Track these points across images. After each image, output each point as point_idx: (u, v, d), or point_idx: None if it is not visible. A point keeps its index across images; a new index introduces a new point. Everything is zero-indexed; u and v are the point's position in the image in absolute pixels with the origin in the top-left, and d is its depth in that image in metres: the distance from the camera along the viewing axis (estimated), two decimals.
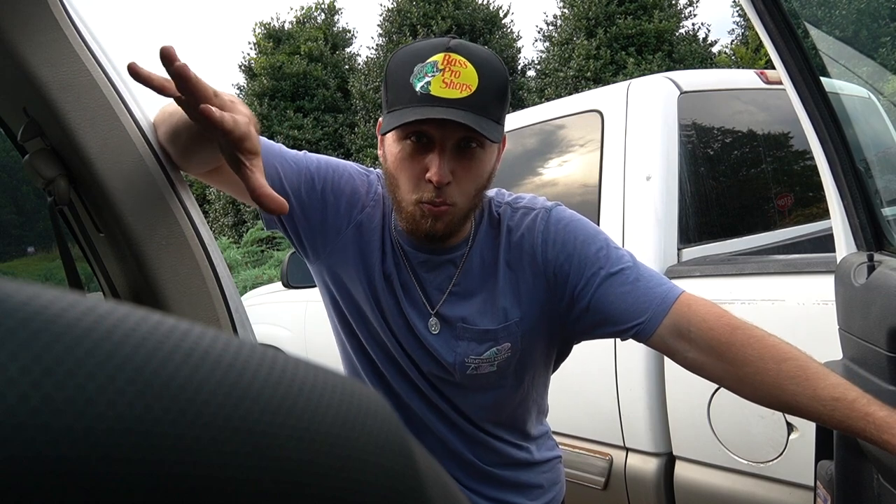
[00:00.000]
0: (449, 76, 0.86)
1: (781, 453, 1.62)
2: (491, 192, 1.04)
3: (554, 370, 1.14)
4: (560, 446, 1.21)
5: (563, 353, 1.11)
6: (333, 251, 1.01)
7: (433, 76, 0.86)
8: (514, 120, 2.49)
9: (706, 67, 14.56)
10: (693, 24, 19.88)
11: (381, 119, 0.96)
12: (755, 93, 2.36)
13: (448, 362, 1.00)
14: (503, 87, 0.91)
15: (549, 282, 0.99)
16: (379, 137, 0.98)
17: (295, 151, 1.01)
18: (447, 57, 0.87)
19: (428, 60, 0.87)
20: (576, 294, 0.97)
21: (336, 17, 18.71)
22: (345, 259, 1.00)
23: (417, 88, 0.86)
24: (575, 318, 0.99)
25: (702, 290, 1.43)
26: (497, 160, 0.98)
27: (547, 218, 1.01)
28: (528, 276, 1.00)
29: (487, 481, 1.08)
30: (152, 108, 0.93)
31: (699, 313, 0.92)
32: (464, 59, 0.87)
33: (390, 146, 0.94)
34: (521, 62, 17.52)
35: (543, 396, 1.15)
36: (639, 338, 0.96)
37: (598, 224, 1.68)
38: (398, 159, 0.92)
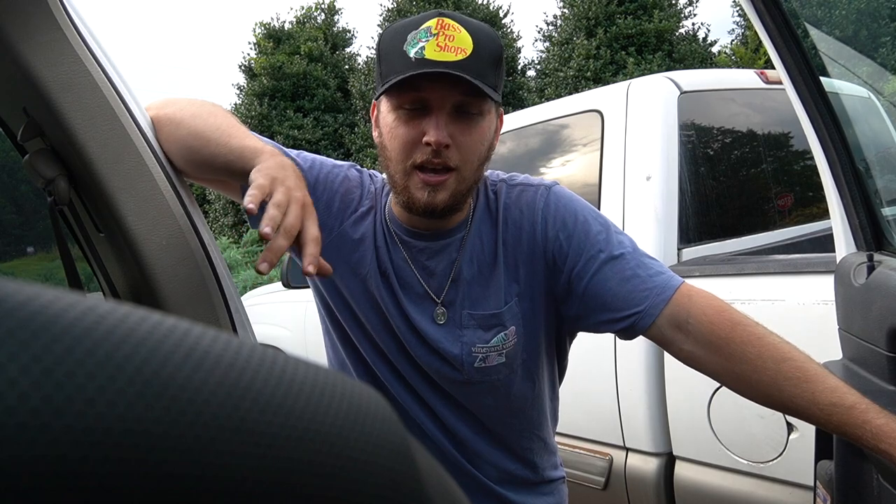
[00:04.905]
0: (443, 40, 0.85)
1: (781, 453, 1.62)
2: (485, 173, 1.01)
3: (560, 380, 1.11)
4: (560, 446, 1.19)
5: (561, 352, 1.08)
6: (325, 250, 0.98)
7: (427, 41, 0.85)
8: (514, 120, 2.49)
9: (706, 67, 14.56)
10: (693, 24, 19.90)
11: (374, 102, 0.95)
12: (755, 93, 2.35)
13: (453, 355, 0.96)
14: (498, 54, 0.90)
15: (547, 260, 0.96)
16: (373, 120, 0.96)
17: (291, 151, 1.00)
18: (440, 21, 0.86)
19: (421, 27, 0.87)
20: (573, 275, 0.94)
21: (336, 17, 18.72)
22: (337, 259, 0.98)
23: (412, 54, 0.85)
24: (572, 302, 0.96)
25: None
26: (496, 136, 0.96)
27: (547, 195, 0.98)
28: (525, 254, 0.97)
29: (485, 499, 1.03)
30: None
31: (699, 305, 0.90)
32: (457, 24, 0.87)
33: (384, 117, 0.92)
34: (521, 62, 17.52)
35: (555, 402, 1.11)
36: (636, 329, 0.92)
37: None
38: (392, 128, 0.89)
